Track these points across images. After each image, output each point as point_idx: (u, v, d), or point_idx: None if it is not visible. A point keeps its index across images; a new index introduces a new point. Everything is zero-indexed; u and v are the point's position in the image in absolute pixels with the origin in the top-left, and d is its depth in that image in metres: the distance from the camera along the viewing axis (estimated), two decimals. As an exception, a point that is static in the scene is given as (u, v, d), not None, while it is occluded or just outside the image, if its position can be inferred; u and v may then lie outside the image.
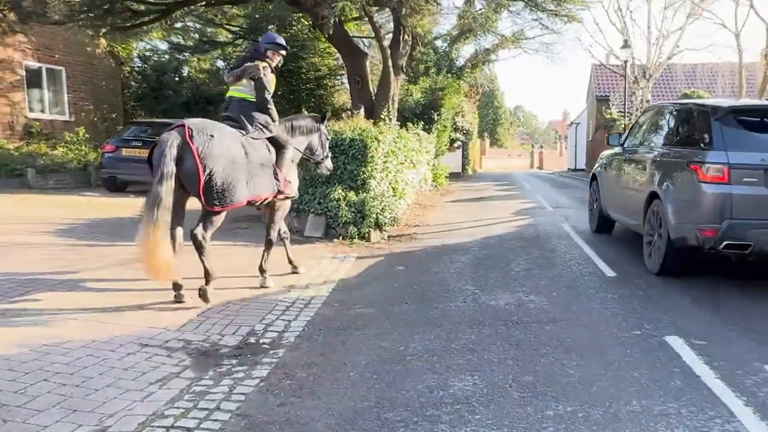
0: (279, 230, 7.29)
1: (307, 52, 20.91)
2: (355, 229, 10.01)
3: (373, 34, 18.75)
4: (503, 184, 25.69)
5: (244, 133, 6.34)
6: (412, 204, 14.54)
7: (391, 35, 18.37)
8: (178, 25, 20.48)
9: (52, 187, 14.74)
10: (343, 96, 22.53)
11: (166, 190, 5.42)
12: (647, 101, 29.25)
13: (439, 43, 33.09)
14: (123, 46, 22.80)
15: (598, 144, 33.65)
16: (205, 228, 5.96)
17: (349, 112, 17.10)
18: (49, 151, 16.25)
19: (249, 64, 6.55)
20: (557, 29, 29.97)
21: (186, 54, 22.06)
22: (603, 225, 10.83)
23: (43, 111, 18.17)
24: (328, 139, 8.11)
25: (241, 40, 21.46)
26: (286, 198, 7.08)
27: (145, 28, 23.42)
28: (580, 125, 46.15)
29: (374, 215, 10.15)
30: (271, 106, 6.70)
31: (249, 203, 6.39)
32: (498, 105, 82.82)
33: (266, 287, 6.79)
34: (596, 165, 11.62)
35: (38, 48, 17.72)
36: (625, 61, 27.17)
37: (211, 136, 5.75)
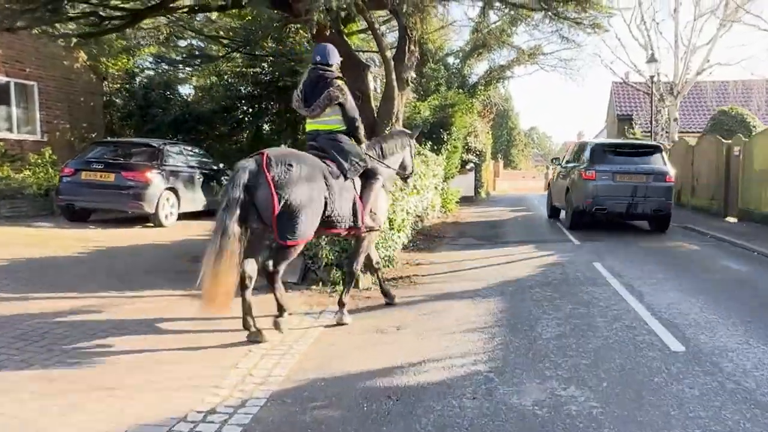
0: (355, 263, 6.76)
1: (305, 66, 19.06)
2: (340, 273, 8.03)
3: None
4: (520, 209, 23.62)
5: (330, 165, 6.05)
6: (414, 236, 12.55)
7: (396, 48, 16.50)
8: (165, 35, 18.74)
9: (4, 216, 12.86)
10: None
11: (231, 217, 5.20)
12: (675, 120, 27.17)
13: (451, 60, 31.37)
14: (112, 61, 21.15)
15: (620, 166, 31.57)
16: (276, 261, 5.71)
17: None
18: (12, 174, 14.42)
19: (331, 89, 6.11)
20: (578, 42, 28.12)
21: (175, 68, 20.31)
22: (553, 212, 17.93)
23: (10, 130, 16.38)
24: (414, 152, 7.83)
25: (237, 53, 19.68)
26: (371, 230, 6.66)
27: (142, 42, 21.95)
28: (599, 146, 44.07)
29: (364, 255, 8.16)
30: (360, 128, 6.49)
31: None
32: (512, 126, 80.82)
33: (344, 323, 6.38)
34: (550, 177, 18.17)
35: (5, 61, 15.99)
36: (651, 77, 25.12)
37: (290, 165, 5.51)
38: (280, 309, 5.93)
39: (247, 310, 5.67)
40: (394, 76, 15.53)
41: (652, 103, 24.90)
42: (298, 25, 18.12)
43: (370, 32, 20.90)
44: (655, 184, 14.04)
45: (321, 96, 6.11)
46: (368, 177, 6.55)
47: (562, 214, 16.70)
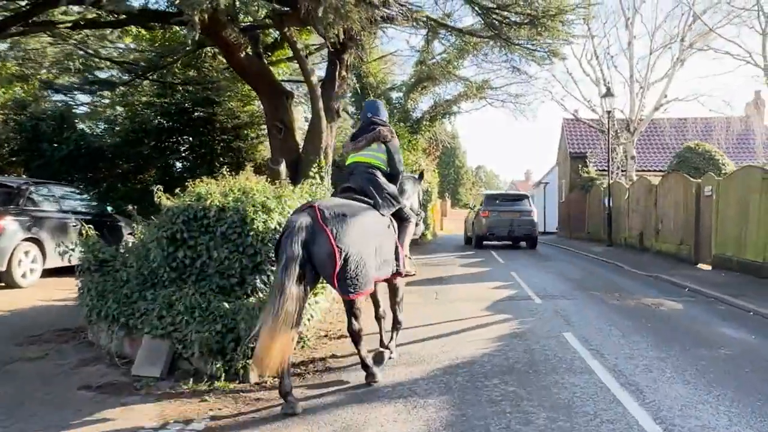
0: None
1: (222, 95, 16.94)
2: (221, 365, 5.84)
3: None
4: (468, 254, 21.73)
5: (372, 206, 6.07)
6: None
7: (325, 75, 14.49)
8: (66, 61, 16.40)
9: None
10: (267, 149, 18.53)
11: (290, 277, 5.04)
12: (632, 157, 25.94)
13: (394, 94, 29.72)
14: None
15: (573, 204, 30.23)
16: (356, 318, 5.75)
17: (267, 169, 13.24)
18: None
19: (381, 128, 6.44)
20: (530, 74, 26.81)
21: (71, 97, 17.88)
22: (467, 241, 26.00)
23: None
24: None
25: (142, 80, 17.42)
26: (407, 275, 6.74)
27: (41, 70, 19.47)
28: (550, 185, 42.95)
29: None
30: (401, 175, 6.63)
31: None
32: (460, 164, 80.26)
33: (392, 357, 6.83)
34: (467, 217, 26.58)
35: None
36: (608, 112, 23.91)
37: (344, 215, 5.47)
38: (367, 368, 5.97)
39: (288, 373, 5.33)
40: (321, 105, 13.53)
41: (608, 139, 23.62)
42: (215, 50, 16.08)
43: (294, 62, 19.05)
44: (524, 218, 22.99)
45: (369, 133, 6.43)
46: (402, 219, 6.62)
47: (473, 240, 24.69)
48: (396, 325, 7.06)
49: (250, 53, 13.74)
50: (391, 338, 7.04)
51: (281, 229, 5.70)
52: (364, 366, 5.95)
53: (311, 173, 13.52)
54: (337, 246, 5.26)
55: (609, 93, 23.70)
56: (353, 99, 29.81)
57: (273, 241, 6.26)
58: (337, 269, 5.31)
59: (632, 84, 26.31)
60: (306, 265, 5.23)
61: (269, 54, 17.51)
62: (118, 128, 17.25)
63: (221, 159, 17.09)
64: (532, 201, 24.10)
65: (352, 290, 5.48)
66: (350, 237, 5.38)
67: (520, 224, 22.47)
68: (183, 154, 17.85)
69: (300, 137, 14.23)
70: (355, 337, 5.83)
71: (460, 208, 77.11)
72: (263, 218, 6.49)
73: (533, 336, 8.04)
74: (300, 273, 5.13)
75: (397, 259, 6.33)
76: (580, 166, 30.79)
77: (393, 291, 6.96)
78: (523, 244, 24.21)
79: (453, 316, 9.57)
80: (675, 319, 9.26)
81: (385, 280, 6.58)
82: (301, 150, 13.98)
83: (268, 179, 11.55)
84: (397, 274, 6.46)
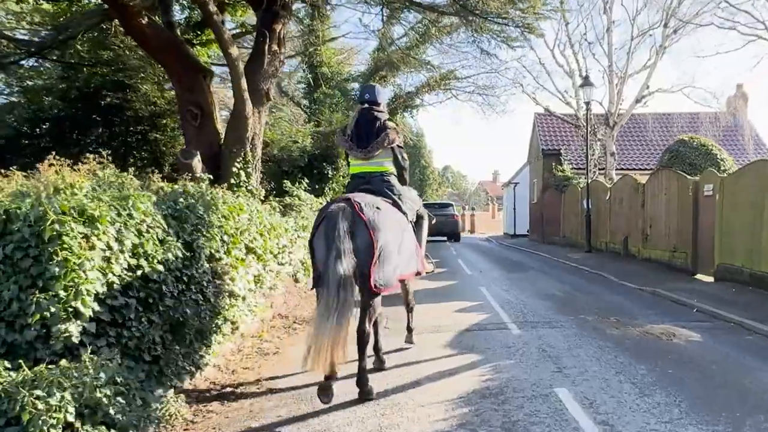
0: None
1: (135, 77, 14.37)
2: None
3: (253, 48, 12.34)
4: (434, 261, 19.42)
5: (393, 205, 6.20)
6: (261, 326, 8.14)
7: (252, 51, 12.01)
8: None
9: None
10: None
11: (347, 265, 5.12)
12: (612, 154, 23.92)
13: (351, 85, 27.39)
14: None
15: (547, 206, 28.24)
16: (369, 319, 5.68)
17: (178, 163, 10.97)
18: None
19: (389, 130, 6.36)
20: (500, 59, 24.70)
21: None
22: None
23: None
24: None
25: (38, 59, 14.77)
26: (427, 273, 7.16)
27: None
28: (520, 185, 40.94)
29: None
30: (407, 173, 6.77)
31: None
32: (426, 164, 78.03)
33: (412, 344, 7.60)
34: None
35: None
36: (587, 103, 21.82)
37: (378, 208, 5.60)
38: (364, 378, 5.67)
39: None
40: (244, 85, 11.11)
41: (587, 132, 21.56)
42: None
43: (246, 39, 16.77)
44: (449, 220, 29.47)
45: (378, 138, 6.28)
46: (417, 217, 6.92)
47: None
48: (411, 310, 7.84)
49: (156, 20, 11.26)
50: (409, 321, 7.86)
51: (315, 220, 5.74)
52: (360, 380, 5.64)
53: (235, 168, 11.17)
54: (376, 238, 5.36)
55: (587, 82, 21.65)
56: (305, 90, 27.51)
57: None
58: (374, 260, 5.35)
59: (611, 74, 24.33)
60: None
61: (198, 33, 15.03)
62: (11, 118, 14.57)
63: (136, 153, 14.54)
64: (454, 208, 35.29)
65: (382, 284, 5.54)
66: (384, 231, 5.50)
67: (446, 224, 28.36)
68: (90, 148, 15.20)
69: (223, 126, 11.79)
70: (362, 339, 5.59)
71: (426, 210, 75.20)
72: (79, 233, 4.04)
73: (513, 394, 5.72)
74: (351, 262, 5.16)
75: (417, 257, 6.53)
76: (553, 164, 28.73)
77: (405, 290, 7.45)
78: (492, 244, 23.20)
79: (405, 357, 7.24)
80: (700, 360, 7.02)
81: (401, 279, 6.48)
82: (221, 141, 11.55)
83: (181, 176, 9.24)
84: (417, 273, 6.71)
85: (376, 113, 6.48)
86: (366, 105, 6.57)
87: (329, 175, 14.60)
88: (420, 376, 6.43)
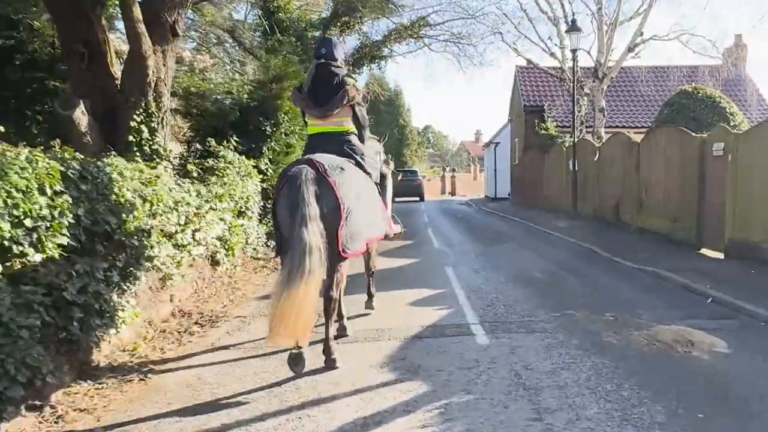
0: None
1: (28, 10, 11.89)
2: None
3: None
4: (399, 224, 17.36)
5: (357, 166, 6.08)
6: (144, 332, 6.04)
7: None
8: None
9: None
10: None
11: (312, 230, 4.94)
12: (601, 110, 21.78)
13: (313, 33, 24.83)
14: None
15: (529, 168, 26.17)
16: (337, 285, 5.57)
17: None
18: None
19: (348, 87, 6.08)
20: (477, 5, 22.30)
21: None
22: None
23: None
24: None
25: None
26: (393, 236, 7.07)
27: None
28: (501, 145, 38.82)
29: None
30: (367, 131, 6.64)
31: None
32: (404, 123, 75.45)
33: (372, 309, 7.50)
34: None
35: None
36: (573, 51, 19.60)
37: (342, 169, 5.46)
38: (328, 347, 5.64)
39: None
40: (138, 15, 8.77)
41: (574, 84, 19.35)
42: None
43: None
44: (413, 184, 36.41)
45: (336, 95, 6.01)
46: (380, 177, 6.99)
47: None
48: (371, 276, 7.58)
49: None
50: (369, 287, 7.60)
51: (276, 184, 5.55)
52: (327, 348, 5.56)
53: (133, 123, 8.93)
54: (342, 200, 5.23)
55: (574, 27, 19.42)
56: (260, 39, 24.93)
57: None
58: (342, 223, 5.23)
59: (600, 20, 22.04)
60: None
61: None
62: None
63: (33, 106, 12.14)
64: (418, 174, 43.40)
65: (350, 248, 5.42)
66: (349, 192, 5.38)
67: (411, 188, 36.14)
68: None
69: (116, 70, 9.48)
70: (329, 306, 5.55)
71: (405, 171, 73.03)
72: None
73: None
74: (317, 227, 4.99)
75: (384, 219, 6.57)
76: (536, 121, 26.57)
77: (369, 254, 7.15)
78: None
79: (319, 387, 5.14)
80: (740, 391, 5.00)
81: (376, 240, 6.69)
82: (118, 86, 9.28)
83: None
84: (385, 236, 6.77)
85: (333, 69, 6.20)
86: (322, 60, 6.25)
87: (268, 133, 12.34)
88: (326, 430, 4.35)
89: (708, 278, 9.34)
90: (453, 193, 58.16)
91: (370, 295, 7.63)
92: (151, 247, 6.56)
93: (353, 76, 6.83)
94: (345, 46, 6.93)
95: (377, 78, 30.31)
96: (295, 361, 5.28)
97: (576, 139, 19.71)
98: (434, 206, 32.78)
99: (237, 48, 24.56)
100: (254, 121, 12.28)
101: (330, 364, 5.53)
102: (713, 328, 6.80)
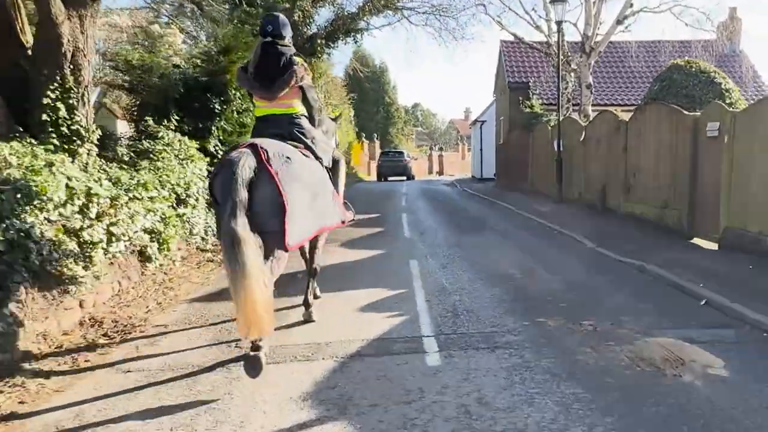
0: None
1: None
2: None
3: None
4: (370, 217, 16.37)
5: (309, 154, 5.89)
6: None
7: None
8: None
9: None
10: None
11: (242, 222, 4.69)
12: (588, 86, 20.71)
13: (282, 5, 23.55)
14: None
15: (514, 148, 25.10)
16: (273, 275, 5.15)
17: None
18: None
19: (296, 67, 5.82)
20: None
21: None
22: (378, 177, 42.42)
23: None
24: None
25: None
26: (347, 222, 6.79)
27: None
28: (487, 124, 37.74)
29: None
30: (319, 112, 6.38)
31: None
32: (389, 101, 73.92)
33: (312, 321, 6.56)
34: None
35: None
36: (558, 23, 18.47)
37: (288, 158, 5.24)
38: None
39: None
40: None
41: (558, 59, 18.23)
42: None
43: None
44: (400, 164, 40.86)
45: (284, 76, 5.79)
46: (333, 162, 6.53)
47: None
48: (314, 275, 6.82)
49: None
50: (308, 290, 6.67)
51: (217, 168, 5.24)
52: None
53: (47, 100, 7.83)
54: (285, 190, 4.99)
55: (560, -3, 18.24)
56: (228, 11, 23.65)
57: None
58: (287, 214, 5.01)
59: (588, -9, 20.90)
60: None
61: None
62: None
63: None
64: (405, 155, 44.23)
65: (296, 239, 5.23)
66: (295, 182, 5.19)
67: (398, 168, 40.37)
68: None
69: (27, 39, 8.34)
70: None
71: (391, 150, 71.60)
72: None
73: None
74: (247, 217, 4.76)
75: (337, 206, 6.27)
76: (520, 98, 25.47)
77: (314, 244, 6.66)
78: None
79: (220, 430, 4.12)
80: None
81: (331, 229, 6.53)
82: (30, 59, 8.16)
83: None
84: (341, 223, 6.49)
85: (280, 48, 5.93)
86: (268, 38, 5.95)
87: (216, 111, 11.22)
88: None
89: (701, 275, 8.37)
90: (441, 173, 57.24)
91: (308, 304, 6.61)
92: (35, 245, 5.48)
93: (301, 55, 6.23)
94: (289, 24, 5.93)
95: (361, 55, 29.13)
96: (251, 364, 4.79)
97: (561, 118, 18.64)
98: (417, 187, 31.75)
99: (204, 20, 23.34)
100: (201, 97, 11.15)
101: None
102: (708, 341, 5.83)
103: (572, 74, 22.36)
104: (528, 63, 27.76)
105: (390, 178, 41.17)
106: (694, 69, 14.22)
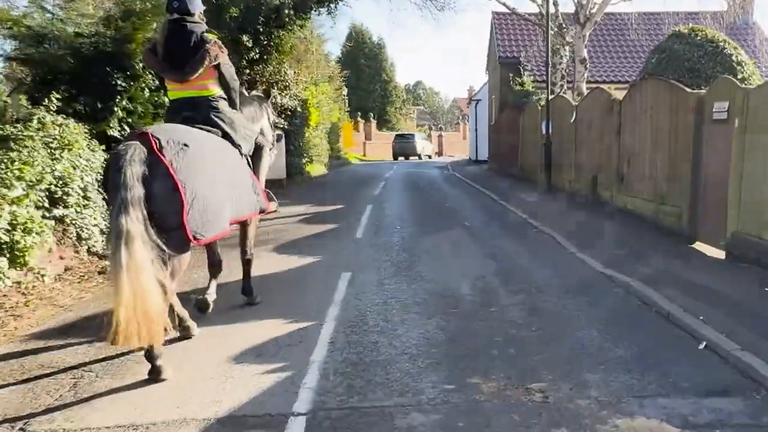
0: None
1: None
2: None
3: None
4: (331, 209, 14.54)
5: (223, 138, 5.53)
6: None
7: None
8: None
9: None
10: None
11: (135, 218, 4.26)
12: (583, 61, 18.67)
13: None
14: None
15: (505, 129, 23.09)
16: (172, 276, 4.76)
17: None
18: None
19: (208, 46, 5.40)
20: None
21: None
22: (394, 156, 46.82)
23: None
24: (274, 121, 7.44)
25: None
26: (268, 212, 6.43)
27: None
28: (482, 103, 35.68)
29: None
30: (238, 93, 5.93)
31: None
32: (387, 79, 71.61)
33: (255, 303, 6.58)
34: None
35: None
36: (547, -12, 16.40)
37: (185, 145, 4.73)
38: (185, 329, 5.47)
39: None
40: None
41: (547, 28, 16.19)
42: None
43: None
44: (410, 145, 46.83)
45: (196, 55, 5.40)
46: (255, 148, 6.25)
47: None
48: (249, 266, 6.59)
49: None
50: (246, 280, 6.62)
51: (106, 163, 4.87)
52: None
53: None
54: (181, 181, 4.55)
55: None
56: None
57: None
58: (186, 208, 4.57)
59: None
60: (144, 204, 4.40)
61: None
62: None
63: None
64: (416, 136, 50.25)
65: (203, 233, 4.80)
66: (195, 171, 4.72)
67: (408, 148, 45.57)
68: None
69: None
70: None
71: (388, 131, 69.43)
72: None
73: None
74: (141, 214, 4.33)
75: (257, 194, 5.89)
76: (511, 75, 23.41)
77: (244, 233, 6.41)
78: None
79: None
80: None
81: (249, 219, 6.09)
82: None
83: None
84: (260, 212, 6.08)
85: (189, 26, 5.45)
86: (176, 15, 5.46)
87: (120, 88, 9.32)
88: None
89: (702, 298, 6.54)
90: (440, 154, 55.54)
91: (248, 292, 6.66)
92: None
93: (214, 31, 5.58)
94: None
95: (358, 30, 27.25)
96: (153, 372, 4.63)
97: (550, 96, 16.63)
98: (404, 170, 29.86)
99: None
100: (99, 71, 9.23)
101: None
102: (707, 423, 3.97)
103: (567, 48, 20.31)
104: (521, 37, 25.66)
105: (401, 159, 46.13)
106: (699, 38, 12.12)
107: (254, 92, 8.35)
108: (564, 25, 20.45)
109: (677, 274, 7.60)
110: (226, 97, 5.76)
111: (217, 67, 5.57)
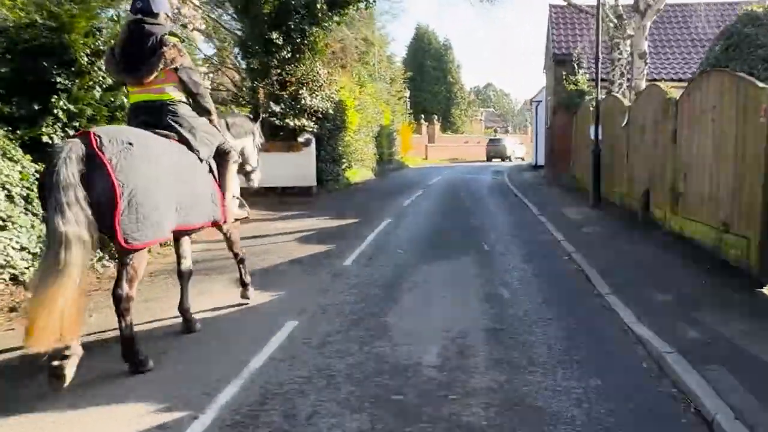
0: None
1: None
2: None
3: None
4: (343, 224, 12.71)
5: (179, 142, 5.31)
6: None
7: None
8: None
9: None
10: None
11: (72, 219, 4.12)
12: (642, 55, 16.16)
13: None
14: None
15: (559, 132, 20.66)
16: (129, 280, 4.69)
17: None
18: None
19: (165, 48, 5.20)
20: None
21: None
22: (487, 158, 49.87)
23: None
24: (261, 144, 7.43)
25: None
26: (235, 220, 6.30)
27: None
28: (541, 104, 33.11)
29: None
30: (206, 95, 5.67)
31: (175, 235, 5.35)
32: (453, 81, 69.34)
33: (248, 299, 6.72)
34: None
35: None
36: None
37: (129, 144, 4.59)
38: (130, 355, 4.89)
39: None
40: None
41: (599, 19, 13.83)
42: None
43: None
44: (500, 149, 51.02)
45: (152, 57, 5.21)
46: (221, 155, 5.89)
47: None
48: (243, 264, 6.70)
49: None
50: (243, 275, 6.74)
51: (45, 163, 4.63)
52: (125, 353, 4.76)
53: None
54: (118, 180, 4.40)
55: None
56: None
57: None
58: (120, 211, 4.39)
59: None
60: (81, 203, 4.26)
61: None
62: None
63: None
64: (506, 140, 53.78)
65: (137, 238, 4.56)
66: (136, 171, 4.54)
67: (498, 151, 49.73)
68: None
69: None
70: (121, 303, 4.65)
71: (453, 133, 67.15)
72: None
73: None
74: (81, 214, 4.21)
75: (215, 203, 5.64)
76: (564, 74, 20.97)
77: (228, 240, 6.42)
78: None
79: None
80: None
81: (202, 228, 5.77)
82: None
83: None
84: (216, 223, 5.80)
85: (147, 27, 5.27)
86: (138, 16, 5.33)
87: (61, 87, 7.68)
88: None
89: None
90: (503, 158, 53.15)
91: (244, 284, 6.78)
92: None
93: (177, 33, 4.92)
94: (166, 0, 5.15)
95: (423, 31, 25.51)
96: (54, 373, 4.20)
97: (600, 97, 14.25)
98: (454, 176, 27.78)
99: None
100: (36, 67, 7.61)
101: (133, 369, 4.72)
102: None
103: (627, 42, 17.79)
104: (578, 31, 23.11)
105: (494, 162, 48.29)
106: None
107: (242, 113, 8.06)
108: (624, 17, 17.96)
109: (734, 343, 5.34)
110: (192, 102, 5.58)
111: (176, 70, 5.35)
